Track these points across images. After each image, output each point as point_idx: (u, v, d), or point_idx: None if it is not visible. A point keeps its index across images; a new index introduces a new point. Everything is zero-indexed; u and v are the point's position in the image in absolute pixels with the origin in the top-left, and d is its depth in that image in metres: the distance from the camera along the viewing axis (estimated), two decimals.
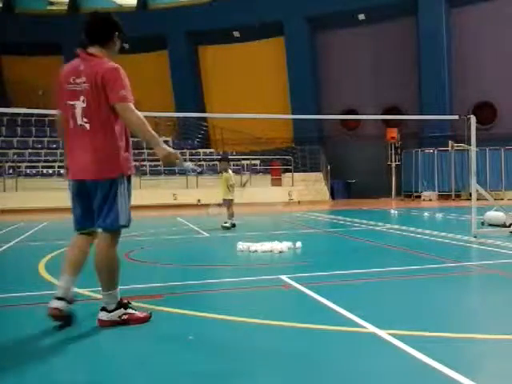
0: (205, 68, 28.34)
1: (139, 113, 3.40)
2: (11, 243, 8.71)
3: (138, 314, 3.60)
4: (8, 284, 5.26)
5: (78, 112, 3.42)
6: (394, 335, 3.16)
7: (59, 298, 3.41)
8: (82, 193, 3.53)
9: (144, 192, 20.59)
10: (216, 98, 27.71)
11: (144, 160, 23.18)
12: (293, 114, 24.21)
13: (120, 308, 3.53)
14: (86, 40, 3.54)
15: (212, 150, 26.05)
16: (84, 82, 3.40)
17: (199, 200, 19.53)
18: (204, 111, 26.70)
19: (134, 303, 3.75)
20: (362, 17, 24.79)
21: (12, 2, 28.97)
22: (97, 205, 3.47)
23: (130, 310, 3.57)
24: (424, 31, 23.33)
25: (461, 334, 3.29)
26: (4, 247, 8.19)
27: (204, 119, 26.96)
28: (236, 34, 26.78)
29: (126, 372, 2.77)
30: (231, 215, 10.45)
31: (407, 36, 24.37)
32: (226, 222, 10.30)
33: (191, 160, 23.75)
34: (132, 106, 3.40)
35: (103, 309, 3.52)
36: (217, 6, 25.84)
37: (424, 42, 23.39)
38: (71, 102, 3.45)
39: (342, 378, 2.64)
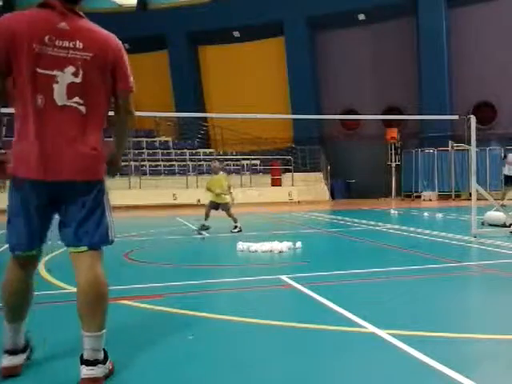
0: (205, 68, 28.34)
1: None
2: None
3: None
4: None
5: (60, 87, 2.50)
6: (393, 335, 3.16)
7: (11, 352, 2.66)
8: (50, 199, 2.56)
9: (144, 192, 20.61)
10: (216, 98, 27.71)
11: (144, 160, 23.19)
12: (293, 113, 24.21)
13: (107, 356, 2.64)
14: None
15: (212, 150, 26.06)
16: (80, 50, 2.52)
17: (199, 200, 19.52)
18: (204, 111, 26.70)
19: (134, 303, 3.72)
20: (362, 17, 24.79)
21: (12, 2, 28.96)
22: (79, 215, 2.58)
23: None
24: (424, 31, 23.34)
25: (461, 334, 3.29)
26: (4, 247, 8.19)
27: (204, 119, 26.96)
28: (236, 34, 26.79)
29: (126, 372, 2.76)
30: (235, 219, 9.87)
31: (407, 36, 24.38)
32: (235, 227, 9.80)
33: (191, 160, 23.77)
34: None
35: (92, 363, 2.49)
36: (217, 6, 25.86)
37: (424, 41, 23.41)
38: (49, 72, 2.49)
39: (342, 378, 2.64)
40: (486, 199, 8.90)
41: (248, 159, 23.88)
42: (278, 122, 24.20)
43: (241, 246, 7.23)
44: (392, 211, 15.86)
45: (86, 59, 2.54)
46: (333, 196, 23.76)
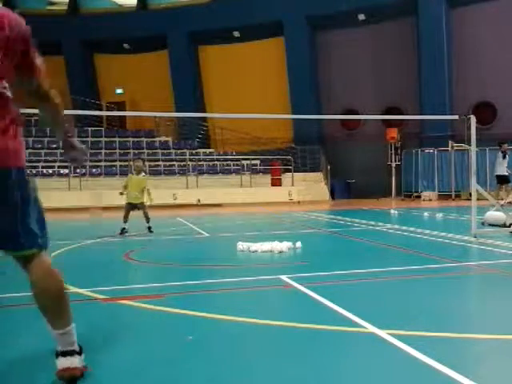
0: (205, 68, 28.33)
1: None
2: None
3: None
4: (8, 284, 5.25)
5: None
6: (393, 335, 3.16)
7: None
8: None
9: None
10: (216, 98, 27.70)
11: (144, 160, 23.18)
12: (293, 114, 24.20)
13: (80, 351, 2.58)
14: None
15: (212, 150, 26.06)
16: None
17: (199, 200, 19.55)
18: (204, 111, 26.69)
19: (134, 303, 3.72)
20: (362, 17, 24.78)
21: (12, 2, 28.96)
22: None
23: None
24: (424, 31, 23.33)
25: (461, 334, 3.29)
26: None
27: (204, 119, 26.95)
28: (236, 34, 26.78)
29: (127, 372, 2.77)
30: (148, 219, 9.83)
31: (407, 36, 24.37)
32: (149, 228, 9.80)
33: (191, 160, 23.77)
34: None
35: (68, 353, 2.48)
36: (217, 6, 25.84)
37: (424, 41, 23.40)
38: None
39: (342, 378, 2.64)
40: (486, 199, 8.91)
41: (248, 159, 23.87)
42: (278, 122, 24.19)
43: (241, 245, 7.23)
44: (392, 211, 15.87)
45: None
46: (333, 196, 23.76)
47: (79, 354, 2.53)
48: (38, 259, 2.47)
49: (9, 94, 2.40)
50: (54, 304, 2.47)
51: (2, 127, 2.33)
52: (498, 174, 14.39)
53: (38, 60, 2.58)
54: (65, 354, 2.47)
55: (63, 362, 2.45)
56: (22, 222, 2.41)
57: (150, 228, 9.86)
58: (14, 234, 2.40)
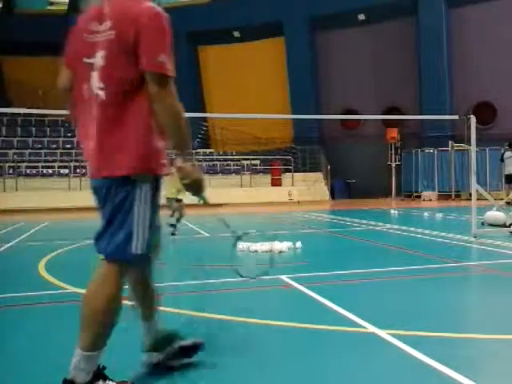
0: (205, 68, 28.34)
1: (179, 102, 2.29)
2: (11, 243, 8.70)
3: None
4: (8, 284, 5.25)
5: (95, 74, 2.26)
6: (393, 335, 3.16)
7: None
8: (97, 196, 2.39)
9: None
10: (216, 98, 27.71)
11: None
12: (293, 114, 24.21)
13: (97, 380, 2.30)
14: None
15: (212, 150, 26.06)
16: (109, 29, 2.23)
17: (199, 200, 19.52)
18: (204, 111, 26.69)
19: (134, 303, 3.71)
20: (361, 17, 24.79)
21: (12, 2, 28.96)
22: (103, 217, 2.33)
23: (109, 383, 2.34)
24: (424, 31, 23.33)
25: (461, 334, 3.29)
26: (4, 247, 8.19)
27: (204, 119, 26.95)
28: (236, 33, 26.78)
29: (126, 373, 2.76)
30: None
31: (407, 36, 24.37)
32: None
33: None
34: (172, 84, 2.25)
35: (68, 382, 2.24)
36: (217, 6, 25.84)
37: (424, 41, 23.40)
38: (89, 60, 2.28)
39: (342, 378, 2.64)
40: (486, 199, 8.91)
41: (248, 159, 23.87)
42: (278, 122, 24.20)
43: (241, 246, 7.22)
44: (392, 211, 15.87)
45: (111, 38, 2.23)
46: (333, 196, 23.76)
47: None
48: None
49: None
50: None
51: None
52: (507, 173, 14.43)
53: None
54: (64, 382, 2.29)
55: None
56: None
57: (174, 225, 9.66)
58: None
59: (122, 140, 2.22)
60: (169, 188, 9.75)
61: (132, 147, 2.22)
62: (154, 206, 2.36)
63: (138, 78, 2.22)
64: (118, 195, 2.24)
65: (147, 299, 2.65)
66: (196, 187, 2.42)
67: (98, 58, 2.24)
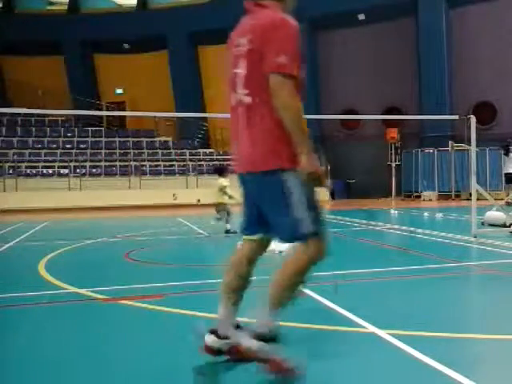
0: (205, 68, 28.33)
1: (299, 101, 2.48)
2: (11, 243, 8.71)
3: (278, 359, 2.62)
4: (8, 284, 5.25)
5: (240, 82, 2.73)
6: (393, 335, 3.16)
7: (212, 332, 2.85)
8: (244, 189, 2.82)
9: (144, 192, 20.61)
10: (216, 98, 27.69)
11: (144, 160, 23.18)
12: None
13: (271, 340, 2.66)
14: None
15: (212, 150, 26.06)
16: (248, 42, 2.64)
17: (199, 200, 19.52)
18: (204, 111, 26.69)
19: (134, 303, 3.70)
20: (361, 17, 24.79)
21: (12, 2, 28.97)
22: (264, 208, 2.73)
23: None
24: (424, 31, 23.33)
25: (461, 334, 3.29)
26: (4, 247, 8.19)
27: (204, 119, 26.95)
28: None
29: (126, 372, 2.77)
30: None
31: (407, 36, 24.37)
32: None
33: (191, 160, 23.78)
34: (292, 83, 2.43)
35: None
36: (217, 6, 25.82)
37: (424, 41, 23.39)
38: (235, 70, 2.76)
39: (342, 378, 2.64)
40: (486, 199, 8.91)
41: None
42: None
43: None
44: (392, 211, 15.86)
45: (249, 49, 2.61)
46: (333, 196, 23.75)
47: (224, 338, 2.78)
48: None
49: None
50: None
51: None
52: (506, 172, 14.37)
53: None
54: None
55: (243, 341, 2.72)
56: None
57: (218, 219, 9.52)
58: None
59: (267, 137, 2.54)
60: (214, 194, 9.78)
61: (277, 144, 2.54)
62: (307, 189, 2.62)
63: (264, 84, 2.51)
64: (275, 185, 2.56)
65: (248, 283, 3.08)
66: (319, 178, 2.62)
67: (241, 68, 2.65)
